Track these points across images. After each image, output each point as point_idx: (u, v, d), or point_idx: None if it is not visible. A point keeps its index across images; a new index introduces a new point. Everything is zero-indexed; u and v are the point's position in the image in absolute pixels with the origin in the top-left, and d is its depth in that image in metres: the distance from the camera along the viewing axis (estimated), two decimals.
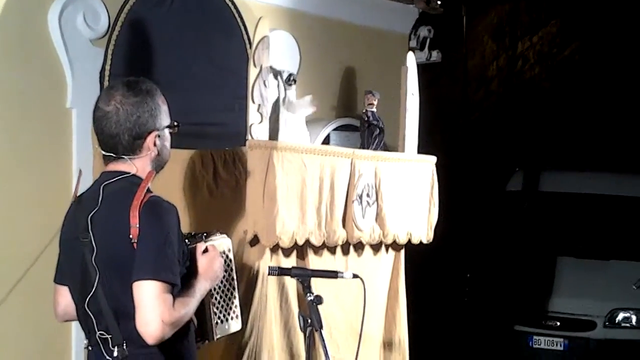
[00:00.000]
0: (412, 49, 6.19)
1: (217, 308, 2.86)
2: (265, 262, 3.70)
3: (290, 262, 3.84)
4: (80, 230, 2.62)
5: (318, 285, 3.33)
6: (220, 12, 4.73)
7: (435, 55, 6.41)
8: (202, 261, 2.73)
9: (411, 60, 4.61)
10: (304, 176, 3.81)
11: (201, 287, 2.68)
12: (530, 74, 9.76)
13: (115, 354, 2.58)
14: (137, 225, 2.50)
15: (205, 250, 2.77)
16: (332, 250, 4.12)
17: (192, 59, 4.51)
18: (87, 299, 2.61)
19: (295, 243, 3.78)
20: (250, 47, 3.91)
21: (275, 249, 3.75)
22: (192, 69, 4.50)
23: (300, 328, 3.14)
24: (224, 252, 2.92)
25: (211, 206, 3.79)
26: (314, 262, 3.97)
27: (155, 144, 2.69)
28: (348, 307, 4.11)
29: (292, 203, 3.75)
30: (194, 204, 3.82)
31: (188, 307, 2.58)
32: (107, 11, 4.31)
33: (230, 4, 4.76)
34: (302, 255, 3.93)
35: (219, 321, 2.87)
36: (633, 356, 7.35)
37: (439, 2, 6.38)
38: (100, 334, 2.60)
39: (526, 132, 9.12)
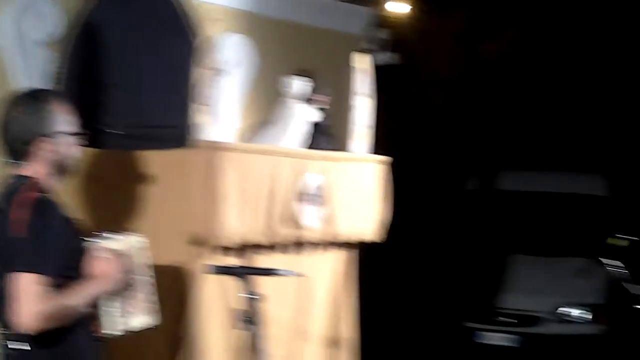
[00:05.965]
0: (367, 51, 6.26)
1: (119, 303, 2.91)
2: (208, 262, 3.72)
3: (236, 262, 3.85)
4: None
5: (262, 285, 3.37)
6: (173, 14, 4.74)
7: (391, 57, 6.50)
8: (97, 265, 2.82)
9: (362, 61, 4.68)
10: (250, 176, 3.85)
11: (90, 288, 2.78)
12: (488, 76, 9.94)
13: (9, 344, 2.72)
14: (17, 220, 2.65)
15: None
16: (281, 250, 4.16)
17: (143, 61, 4.52)
18: None
19: (240, 243, 3.82)
20: (201, 50, 3.95)
21: (219, 249, 3.79)
22: (143, 71, 4.51)
23: (242, 326, 3.19)
24: (128, 250, 2.97)
25: (153, 206, 3.83)
26: (262, 262, 3.98)
27: (47, 149, 2.81)
28: (292, 305, 4.15)
29: (238, 203, 3.78)
30: (135, 203, 3.87)
31: (67, 301, 2.69)
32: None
33: (183, 6, 4.78)
34: (247, 255, 3.96)
35: (119, 316, 2.91)
36: (578, 351, 7.49)
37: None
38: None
39: (480, 132, 9.32)
